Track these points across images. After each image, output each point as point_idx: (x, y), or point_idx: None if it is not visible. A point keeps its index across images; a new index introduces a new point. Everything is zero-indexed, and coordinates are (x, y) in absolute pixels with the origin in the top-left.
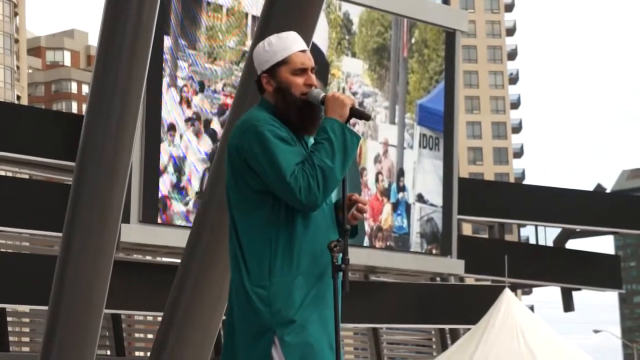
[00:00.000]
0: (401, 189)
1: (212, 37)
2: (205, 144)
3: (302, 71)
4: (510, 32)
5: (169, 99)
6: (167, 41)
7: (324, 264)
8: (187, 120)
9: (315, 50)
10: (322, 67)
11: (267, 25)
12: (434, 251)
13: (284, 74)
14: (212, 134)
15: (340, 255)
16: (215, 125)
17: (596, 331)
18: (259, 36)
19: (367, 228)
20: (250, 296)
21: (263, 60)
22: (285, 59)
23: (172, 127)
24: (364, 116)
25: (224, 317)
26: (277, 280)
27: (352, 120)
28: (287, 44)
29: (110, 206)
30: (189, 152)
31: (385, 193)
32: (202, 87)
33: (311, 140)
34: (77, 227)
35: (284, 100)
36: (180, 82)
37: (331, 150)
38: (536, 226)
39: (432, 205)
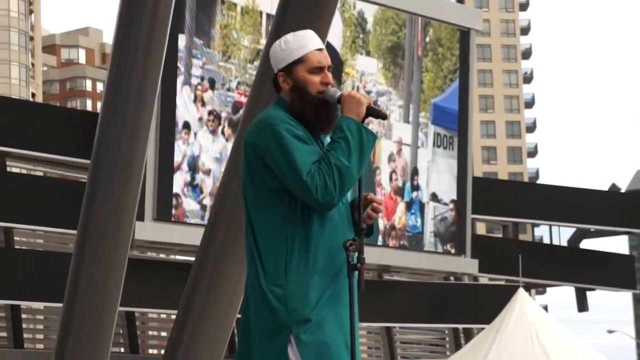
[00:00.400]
0: (415, 188)
1: (226, 35)
2: (219, 142)
3: (318, 70)
4: (525, 30)
5: (184, 97)
6: (182, 39)
7: (339, 263)
8: (201, 118)
9: (330, 49)
10: (336, 65)
11: (282, 23)
12: (448, 250)
13: (301, 72)
14: (225, 132)
15: (356, 254)
16: (229, 123)
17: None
18: (274, 34)
19: (381, 227)
20: (266, 294)
21: (279, 59)
22: (302, 57)
23: (186, 125)
24: (381, 115)
25: (238, 315)
26: (293, 279)
27: (366, 120)
28: (304, 42)
29: (125, 204)
30: (203, 150)
31: (399, 192)
32: (216, 85)
33: (327, 139)
34: (92, 225)
35: (300, 99)
36: (194, 81)
37: (347, 149)
38: (550, 226)
39: (445, 204)
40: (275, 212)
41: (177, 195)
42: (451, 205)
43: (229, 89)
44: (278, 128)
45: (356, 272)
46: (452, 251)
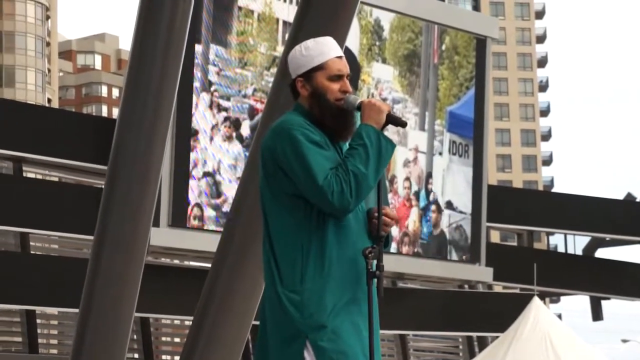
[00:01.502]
0: (430, 195)
1: (242, 42)
2: (236, 149)
3: (338, 77)
4: (541, 39)
5: (200, 103)
6: (199, 46)
7: (357, 270)
8: (217, 124)
9: (348, 55)
10: (354, 71)
11: (299, 30)
12: (463, 258)
13: (320, 79)
14: (242, 139)
15: (375, 261)
16: (246, 130)
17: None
18: (292, 41)
19: (395, 234)
20: (282, 300)
21: (299, 65)
22: (322, 64)
23: (202, 132)
24: (400, 123)
25: (253, 323)
26: (309, 285)
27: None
28: (325, 49)
29: (142, 210)
30: (219, 156)
31: (414, 199)
32: (232, 92)
33: (346, 146)
34: (108, 231)
35: (318, 106)
36: (211, 87)
37: (365, 156)
38: (565, 234)
39: (461, 212)
40: (291, 218)
41: (192, 202)
42: (466, 213)
43: (245, 96)
44: (295, 133)
45: (375, 280)
46: (467, 259)
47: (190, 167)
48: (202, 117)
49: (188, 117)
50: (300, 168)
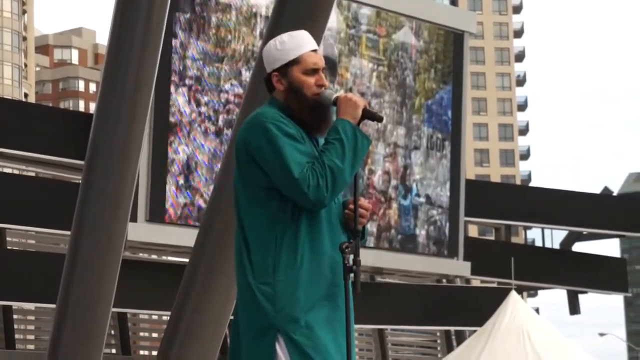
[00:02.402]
0: (408, 190)
1: (220, 36)
2: (213, 143)
3: (313, 71)
4: (518, 34)
5: (177, 97)
6: (176, 40)
7: (331, 264)
8: (195, 119)
9: (327, 49)
10: (331, 66)
11: (277, 25)
12: (440, 252)
13: (296, 73)
14: (220, 133)
15: (351, 256)
16: (223, 124)
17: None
18: (269, 35)
19: (373, 229)
20: (254, 293)
21: (274, 59)
22: (297, 58)
23: (179, 126)
24: (377, 117)
25: (231, 318)
26: (282, 277)
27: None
28: (300, 42)
29: (119, 205)
30: (197, 151)
31: (392, 194)
32: (210, 86)
33: (322, 140)
34: (85, 226)
35: (296, 100)
36: (188, 81)
37: (342, 151)
38: (542, 229)
39: (439, 206)
40: (265, 210)
41: (170, 196)
42: (444, 208)
43: (223, 91)
44: (269, 126)
45: (351, 275)
46: (445, 254)
47: (168, 162)
48: (180, 111)
49: (165, 112)
50: (275, 161)
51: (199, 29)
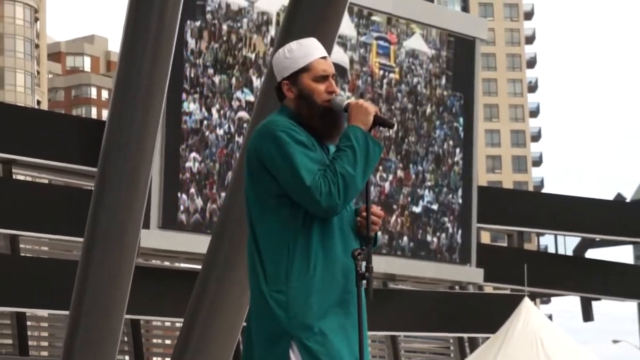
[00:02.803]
0: (421, 197)
1: (231, 44)
2: (225, 150)
3: (323, 78)
4: (530, 40)
5: (189, 104)
6: (187, 49)
7: (344, 271)
8: (207, 126)
9: (337, 68)
10: (341, 72)
11: (288, 32)
12: (453, 259)
13: (306, 80)
14: (231, 141)
15: (364, 263)
16: (234, 131)
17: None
18: (280, 43)
19: (380, 237)
20: (267, 300)
21: (284, 67)
22: (306, 65)
23: (191, 133)
24: (388, 124)
25: (244, 324)
26: (295, 284)
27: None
28: (309, 50)
29: (132, 211)
30: (208, 158)
31: (406, 201)
32: (221, 94)
33: (333, 148)
34: (98, 233)
35: (307, 107)
36: (199, 89)
37: (353, 158)
38: (555, 235)
39: (450, 213)
40: (276, 217)
41: (183, 203)
42: (456, 214)
43: (234, 98)
44: (280, 134)
45: (364, 281)
46: (457, 260)
47: (180, 169)
48: (192, 118)
49: (178, 119)
50: (287, 169)
51: (210, 36)
